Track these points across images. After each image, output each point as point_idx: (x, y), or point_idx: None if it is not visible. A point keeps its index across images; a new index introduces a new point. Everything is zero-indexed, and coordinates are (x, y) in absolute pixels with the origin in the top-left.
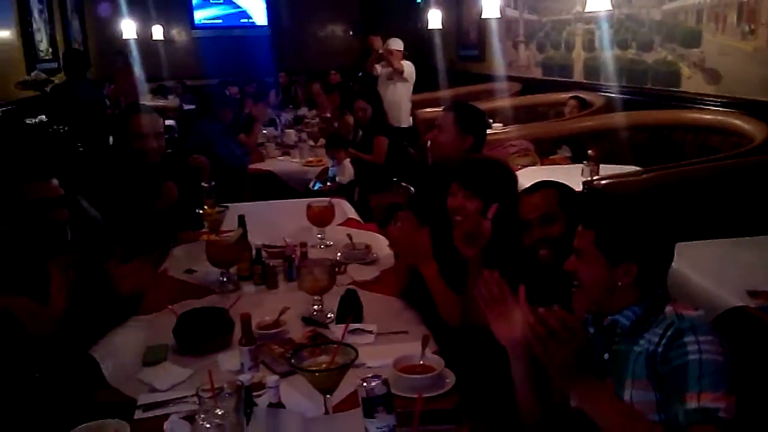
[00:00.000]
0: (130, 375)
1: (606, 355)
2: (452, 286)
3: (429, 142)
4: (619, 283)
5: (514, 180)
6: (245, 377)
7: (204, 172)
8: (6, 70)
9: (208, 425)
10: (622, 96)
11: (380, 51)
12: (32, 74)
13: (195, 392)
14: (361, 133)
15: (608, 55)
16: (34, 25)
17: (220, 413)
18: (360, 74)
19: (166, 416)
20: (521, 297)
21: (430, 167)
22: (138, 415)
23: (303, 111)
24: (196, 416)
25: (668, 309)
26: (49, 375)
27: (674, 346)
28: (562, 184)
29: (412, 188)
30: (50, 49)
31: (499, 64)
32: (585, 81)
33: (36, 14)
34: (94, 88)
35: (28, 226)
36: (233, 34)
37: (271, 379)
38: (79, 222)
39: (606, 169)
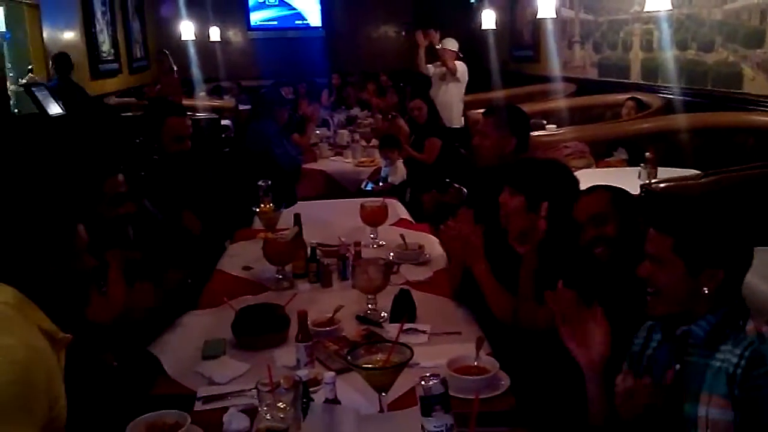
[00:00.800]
0: (189, 368)
1: (677, 366)
2: (506, 286)
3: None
4: (705, 291)
5: (570, 179)
6: (302, 373)
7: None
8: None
9: (270, 417)
10: (681, 98)
11: (437, 47)
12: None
13: (254, 386)
14: (413, 135)
15: (667, 55)
16: (97, 27)
17: (281, 407)
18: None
19: (225, 409)
20: (599, 316)
21: (480, 169)
22: (197, 407)
23: (355, 111)
24: (259, 409)
25: (749, 327)
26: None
27: (755, 373)
28: (614, 187)
29: (464, 189)
30: (112, 50)
31: (553, 64)
32: (642, 82)
33: (99, 16)
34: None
35: (104, 220)
36: (288, 35)
37: (327, 375)
38: (140, 219)
39: (664, 172)
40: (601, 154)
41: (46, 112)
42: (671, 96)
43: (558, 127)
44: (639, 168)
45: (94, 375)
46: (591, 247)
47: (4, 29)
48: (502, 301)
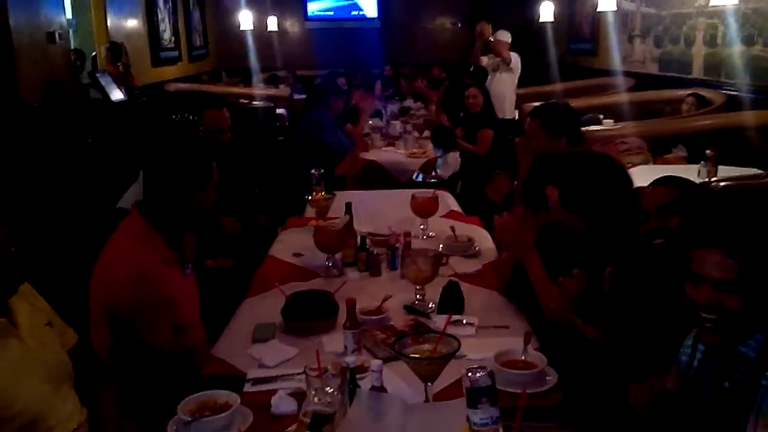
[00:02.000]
0: (239, 350)
1: (726, 384)
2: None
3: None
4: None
5: (618, 174)
6: (350, 359)
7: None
8: (134, 58)
9: (317, 401)
10: (745, 94)
11: (490, 39)
12: None
13: (302, 370)
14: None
15: (731, 51)
16: (159, 15)
17: (329, 391)
18: (472, 68)
19: (273, 391)
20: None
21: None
22: (247, 388)
23: (408, 102)
24: (308, 393)
25: None
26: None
27: None
28: (686, 180)
29: (515, 182)
30: (173, 38)
31: (612, 58)
32: (704, 78)
33: (161, 5)
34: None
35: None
36: (344, 26)
37: (375, 362)
38: None
39: (724, 171)
40: (659, 150)
41: (109, 97)
42: (735, 92)
43: (615, 122)
44: (698, 166)
45: (148, 354)
46: (649, 238)
47: (70, 16)
48: (553, 296)
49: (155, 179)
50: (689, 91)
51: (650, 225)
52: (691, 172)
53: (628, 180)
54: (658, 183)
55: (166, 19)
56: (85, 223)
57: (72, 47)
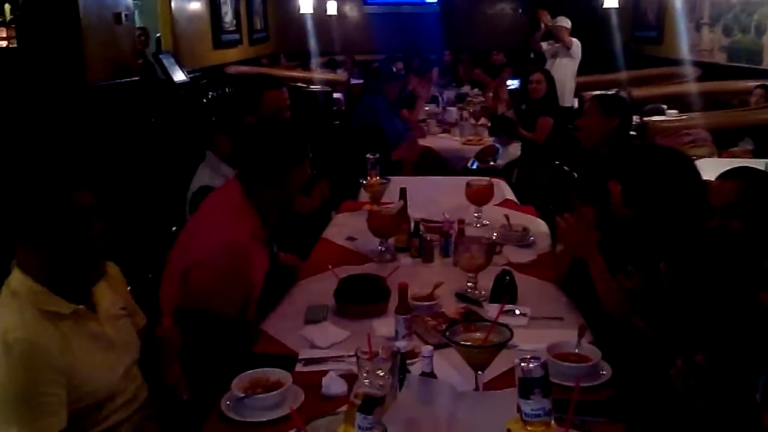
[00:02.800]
0: (291, 330)
1: None
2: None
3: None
4: None
5: (685, 167)
6: (401, 344)
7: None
8: (196, 40)
9: (369, 384)
10: None
11: (549, 25)
12: None
13: (353, 353)
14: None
15: None
16: None
17: (381, 374)
18: (531, 55)
19: (324, 372)
20: None
21: (588, 153)
22: (298, 368)
23: (465, 89)
24: (359, 375)
25: None
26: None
27: None
28: (756, 173)
29: (575, 173)
30: (234, 21)
31: (678, 47)
32: None
33: None
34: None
35: None
36: (403, 10)
37: (426, 348)
38: None
39: None
40: (725, 143)
41: (171, 78)
42: None
43: (680, 112)
44: (765, 160)
45: (212, 322)
46: (713, 237)
47: None
48: (614, 295)
49: (254, 154)
50: (758, 83)
51: (714, 222)
52: (758, 167)
53: (696, 174)
54: (725, 176)
55: (228, 2)
56: (154, 204)
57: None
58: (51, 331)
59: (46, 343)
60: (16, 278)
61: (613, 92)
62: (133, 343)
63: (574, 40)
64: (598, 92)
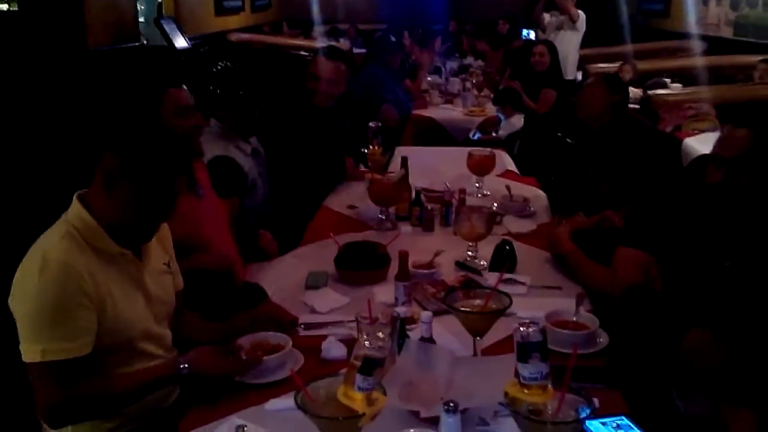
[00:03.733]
0: (292, 296)
1: None
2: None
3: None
4: None
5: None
6: (400, 310)
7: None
8: (197, 6)
9: (369, 346)
10: None
11: None
12: None
13: (352, 318)
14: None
15: None
16: None
17: (381, 336)
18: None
19: (324, 337)
20: None
21: (580, 124)
22: (299, 332)
23: (468, 60)
24: (358, 337)
25: None
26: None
27: None
28: None
29: (573, 141)
30: None
31: (685, 20)
32: None
33: None
34: None
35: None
36: None
37: (425, 314)
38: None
39: None
40: (728, 118)
41: (173, 44)
42: None
43: (684, 86)
44: None
45: (211, 293)
46: (715, 194)
47: None
48: (597, 274)
49: None
50: (761, 57)
51: (717, 177)
52: None
53: (659, 143)
54: (738, 123)
55: None
56: None
57: None
58: (92, 262)
59: (83, 269)
60: (75, 209)
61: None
62: (170, 301)
63: (580, 12)
64: (602, 65)
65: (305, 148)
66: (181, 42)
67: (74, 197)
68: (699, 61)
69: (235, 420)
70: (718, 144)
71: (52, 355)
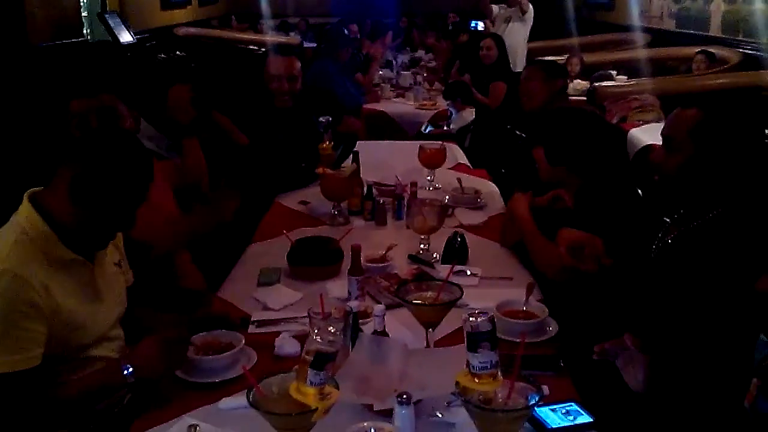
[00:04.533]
0: (245, 293)
1: None
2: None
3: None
4: None
5: (595, 121)
6: (353, 304)
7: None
8: (142, 1)
9: (320, 341)
10: (763, 54)
11: None
12: None
13: (305, 314)
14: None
15: (751, 8)
16: None
17: (332, 331)
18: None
19: (277, 333)
20: None
21: (526, 114)
22: (251, 329)
23: (420, 54)
24: (310, 332)
25: None
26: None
27: None
28: (730, 104)
29: (524, 135)
30: None
31: (629, 13)
32: (722, 36)
33: None
34: None
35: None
36: None
37: (378, 308)
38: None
39: None
40: (672, 108)
41: (117, 39)
42: (753, 52)
43: (629, 78)
44: None
45: (157, 296)
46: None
47: None
48: (547, 255)
49: None
50: (698, 49)
51: (661, 155)
52: None
53: (607, 128)
54: (686, 105)
55: None
56: None
57: None
58: (43, 270)
59: (34, 279)
60: (27, 213)
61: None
62: (123, 301)
63: (530, 4)
64: (549, 57)
65: (261, 147)
66: (126, 37)
67: (25, 198)
68: (643, 53)
69: (188, 419)
70: (667, 124)
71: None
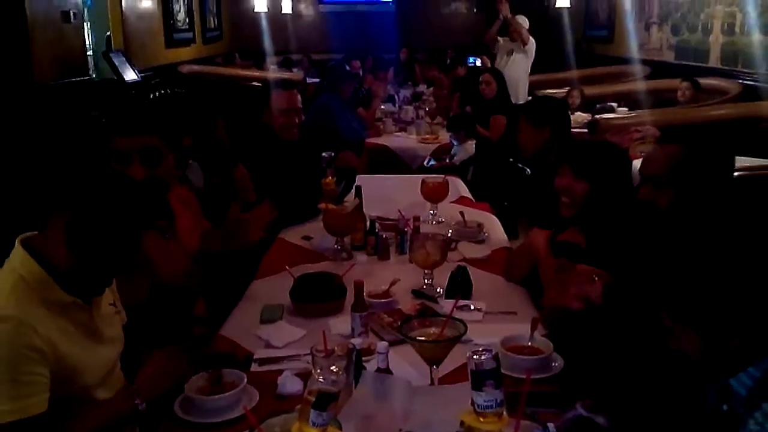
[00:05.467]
0: (247, 330)
1: (725, 407)
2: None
3: None
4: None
5: (625, 161)
6: (356, 341)
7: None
8: (147, 39)
9: (322, 380)
10: (762, 84)
11: (507, 16)
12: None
13: (308, 351)
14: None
15: (750, 40)
16: None
17: (335, 370)
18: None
19: (280, 371)
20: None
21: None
22: (254, 368)
23: (421, 88)
24: (313, 372)
25: None
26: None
27: None
28: (708, 140)
29: (528, 169)
30: (187, 20)
31: (628, 46)
32: (721, 67)
33: None
34: None
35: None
36: (358, 9)
37: (381, 344)
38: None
39: (741, 161)
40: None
41: (122, 77)
42: (752, 82)
43: (630, 110)
44: None
45: (160, 331)
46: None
47: None
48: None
49: None
50: (682, 78)
51: (643, 191)
52: None
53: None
54: (663, 140)
55: (181, 0)
56: None
57: (87, 27)
58: (43, 315)
59: (36, 324)
60: (22, 257)
61: (541, 95)
62: (121, 338)
63: (531, 37)
64: (550, 90)
65: (266, 182)
66: (130, 75)
67: (17, 243)
68: (643, 85)
69: None
70: (642, 162)
71: (7, 417)
